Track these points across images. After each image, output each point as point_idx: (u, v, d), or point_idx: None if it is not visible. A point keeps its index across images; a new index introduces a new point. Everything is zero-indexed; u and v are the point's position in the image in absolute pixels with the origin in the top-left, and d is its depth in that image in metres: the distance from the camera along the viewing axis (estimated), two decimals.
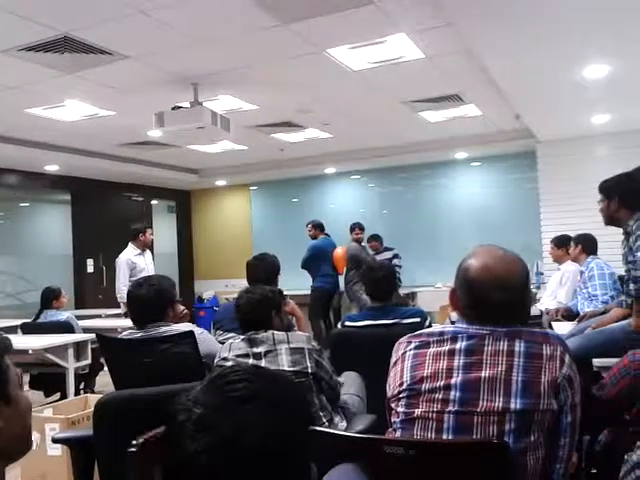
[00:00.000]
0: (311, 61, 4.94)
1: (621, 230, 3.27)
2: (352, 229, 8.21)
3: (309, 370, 2.44)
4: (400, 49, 4.74)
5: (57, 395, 5.28)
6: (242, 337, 2.60)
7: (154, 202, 11.09)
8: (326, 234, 8.54)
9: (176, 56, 4.69)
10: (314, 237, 8.35)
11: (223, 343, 3.00)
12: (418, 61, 5.02)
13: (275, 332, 2.54)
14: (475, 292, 1.61)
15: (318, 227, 8.38)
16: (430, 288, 8.68)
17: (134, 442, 1.38)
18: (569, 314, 4.74)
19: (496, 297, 1.58)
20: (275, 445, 0.92)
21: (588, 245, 4.92)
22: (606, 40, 4.36)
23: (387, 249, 8.78)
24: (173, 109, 5.20)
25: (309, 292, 8.81)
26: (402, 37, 4.49)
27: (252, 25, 4.14)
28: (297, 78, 5.43)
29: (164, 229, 11.19)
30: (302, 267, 8.23)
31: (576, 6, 3.69)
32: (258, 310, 2.65)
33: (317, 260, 8.11)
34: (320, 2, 3.80)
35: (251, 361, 2.47)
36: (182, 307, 3.18)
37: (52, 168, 8.47)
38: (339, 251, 8.17)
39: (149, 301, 2.92)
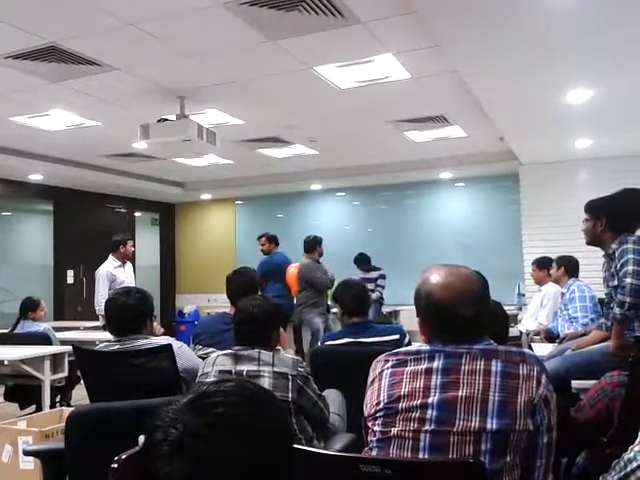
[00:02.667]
0: (298, 78, 4.97)
1: (601, 253, 3.31)
2: (314, 245, 7.05)
3: (289, 399, 2.38)
4: (387, 69, 4.79)
5: (32, 408, 5.19)
6: (227, 352, 2.52)
7: (137, 214, 11.02)
8: (314, 252, 7.74)
9: (163, 69, 4.70)
10: (267, 252, 7.39)
11: (202, 358, 2.98)
12: (404, 81, 5.07)
13: (262, 351, 2.45)
14: (443, 313, 1.61)
15: (272, 241, 7.44)
16: (413, 307, 8.66)
17: (117, 458, 1.35)
18: (549, 336, 4.77)
19: (465, 312, 1.59)
20: (253, 472, 0.90)
21: (570, 267, 4.95)
22: (588, 66, 4.44)
23: (374, 269, 8.77)
24: (159, 121, 5.19)
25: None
26: (389, 57, 4.54)
27: (240, 41, 4.16)
28: (284, 94, 5.46)
29: (147, 242, 11.12)
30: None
31: (560, 32, 3.75)
32: (260, 327, 2.56)
33: (270, 278, 7.02)
34: (308, 20, 3.83)
35: None
36: (159, 326, 3.16)
37: (36, 177, 8.41)
38: (292, 269, 7.14)
39: (131, 309, 2.89)
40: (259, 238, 7.49)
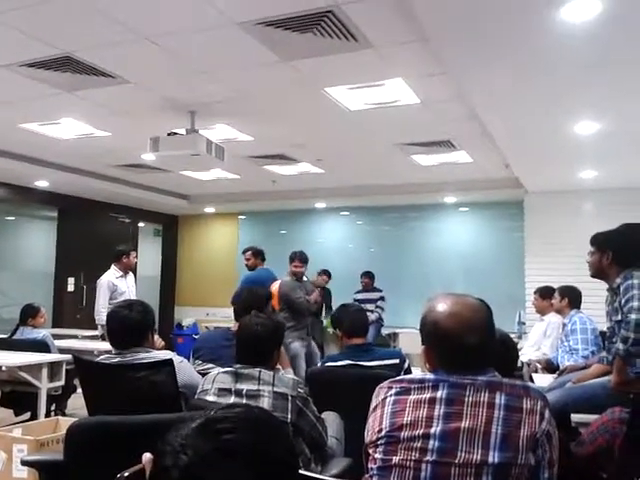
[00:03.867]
0: (309, 98, 5.01)
1: (603, 285, 3.31)
2: (291, 259, 6.36)
3: (288, 420, 2.37)
4: (396, 93, 4.83)
5: (27, 415, 5.17)
6: (228, 369, 2.52)
7: (141, 224, 11.05)
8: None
9: (176, 84, 4.74)
10: (252, 267, 6.78)
11: (202, 373, 2.97)
12: (413, 106, 5.11)
13: (262, 370, 2.46)
14: (449, 341, 1.62)
15: (259, 255, 6.84)
16: (413, 330, 8.63)
17: (119, 475, 1.33)
18: (549, 366, 4.75)
19: (470, 341, 1.60)
20: None
21: (574, 298, 4.95)
22: (596, 98, 4.48)
23: (375, 290, 8.78)
24: (169, 135, 5.23)
25: None
26: (399, 82, 4.58)
27: (254, 59, 4.21)
28: (294, 113, 5.50)
29: (149, 252, 11.13)
30: (233, 303, 6.36)
31: (569, 64, 3.79)
32: (263, 345, 2.57)
33: None
34: (322, 43, 3.87)
35: (232, 398, 2.41)
36: (159, 339, 3.16)
37: (42, 184, 8.44)
38: (274, 287, 6.33)
39: (133, 323, 2.89)
40: (244, 252, 6.97)
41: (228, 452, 0.90)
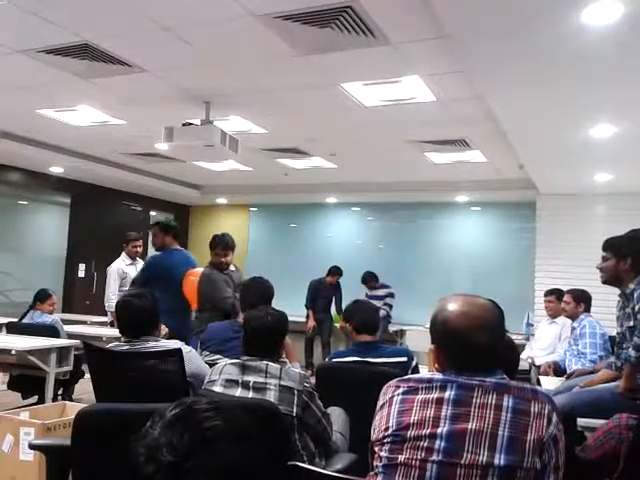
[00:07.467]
0: (324, 93, 5.00)
1: (611, 289, 3.28)
2: (213, 245, 4.87)
3: (294, 413, 2.38)
4: (413, 90, 4.81)
5: (34, 398, 5.22)
6: (235, 361, 2.53)
7: (153, 213, 11.09)
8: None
9: (192, 74, 4.75)
10: (160, 247, 5.19)
11: (209, 364, 2.99)
12: (429, 104, 5.09)
13: (269, 364, 2.47)
14: (459, 340, 1.62)
15: (170, 231, 5.21)
16: (420, 327, 8.59)
17: None
18: (557, 369, 4.74)
19: (480, 340, 1.60)
20: (242, 471, 0.91)
21: (587, 303, 4.90)
22: (613, 102, 4.45)
23: (383, 286, 8.75)
24: (184, 125, 5.24)
25: (303, 319, 8.59)
26: (416, 79, 4.57)
27: (271, 52, 4.20)
28: (309, 107, 5.50)
29: None
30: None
31: (587, 69, 3.76)
32: (269, 337, 2.59)
33: (159, 285, 4.44)
34: (340, 38, 3.86)
35: (239, 390, 2.43)
36: (164, 328, 3.19)
37: (56, 170, 8.50)
38: (192, 278, 4.85)
39: (142, 312, 2.91)
40: (151, 226, 5.41)
41: (206, 440, 0.91)
